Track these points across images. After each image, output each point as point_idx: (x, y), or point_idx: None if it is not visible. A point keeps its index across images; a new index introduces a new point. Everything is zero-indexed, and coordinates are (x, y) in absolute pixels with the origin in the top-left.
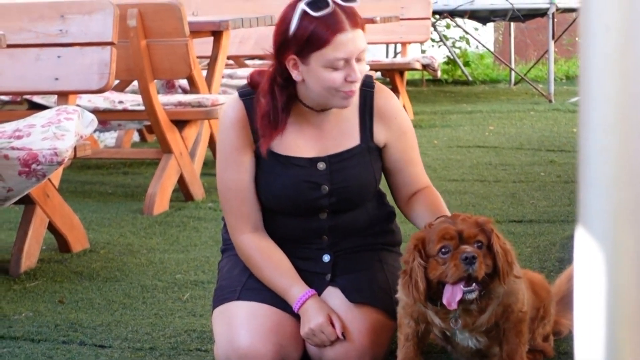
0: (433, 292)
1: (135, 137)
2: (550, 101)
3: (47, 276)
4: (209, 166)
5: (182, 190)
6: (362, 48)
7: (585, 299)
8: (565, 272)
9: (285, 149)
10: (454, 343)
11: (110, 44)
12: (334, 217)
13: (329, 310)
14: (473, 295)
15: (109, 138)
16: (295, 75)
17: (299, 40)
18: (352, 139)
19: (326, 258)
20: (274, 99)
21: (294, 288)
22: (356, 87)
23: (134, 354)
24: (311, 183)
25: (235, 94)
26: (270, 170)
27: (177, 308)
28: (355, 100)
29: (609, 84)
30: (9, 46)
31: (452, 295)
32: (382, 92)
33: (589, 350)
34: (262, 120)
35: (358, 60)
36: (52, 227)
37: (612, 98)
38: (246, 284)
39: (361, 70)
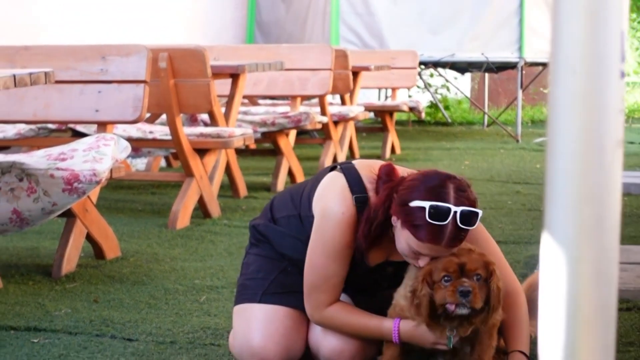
0: (440, 312)
1: (162, 163)
2: (517, 141)
3: (84, 279)
4: (224, 189)
5: (201, 209)
6: (441, 254)
7: (549, 304)
8: (525, 283)
9: (370, 258)
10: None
11: (144, 82)
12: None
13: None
14: (464, 311)
15: (140, 163)
16: (394, 221)
17: (405, 216)
18: None
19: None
20: (381, 217)
21: (384, 323)
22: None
23: (157, 347)
24: (376, 282)
25: (347, 189)
26: (352, 267)
27: (195, 309)
28: None
29: (574, 119)
30: (57, 82)
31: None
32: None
33: (551, 350)
34: (362, 230)
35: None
36: (89, 237)
37: (576, 132)
38: (267, 289)
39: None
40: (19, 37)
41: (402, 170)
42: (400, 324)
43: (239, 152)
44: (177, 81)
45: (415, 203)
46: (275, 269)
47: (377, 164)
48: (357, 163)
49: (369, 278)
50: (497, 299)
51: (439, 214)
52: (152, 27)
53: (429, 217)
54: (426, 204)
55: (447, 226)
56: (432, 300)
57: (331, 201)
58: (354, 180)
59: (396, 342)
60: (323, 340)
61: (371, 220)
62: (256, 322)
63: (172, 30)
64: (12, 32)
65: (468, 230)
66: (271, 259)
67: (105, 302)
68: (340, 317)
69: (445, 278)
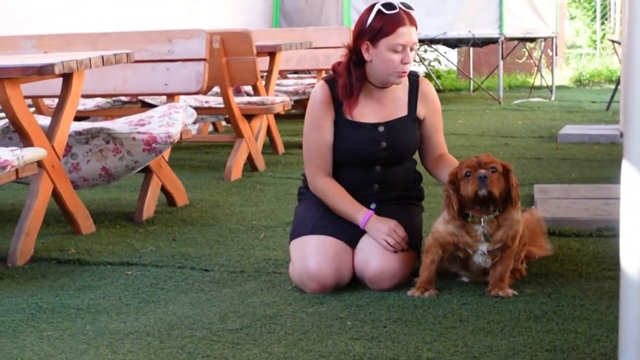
0: (468, 208)
1: (210, 127)
2: (500, 103)
3: (162, 222)
4: (266, 147)
5: (250, 164)
6: (415, 41)
7: (630, 218)
8: (527, 214)
9: (357, 117)
10: (469, 263)
11: (204, 60)
12: (384, 170)
13: (391, 219)
14: (484, 191)
15: (192, 128)
16: (366, 56)
17: (373, 30)
18: (402, 110)
19: (373, 205)
20: (350, 74)
21: (360, 211)
22: (408, 69)
23: (229, 276)
24: (373, 140)
25: (322, 80)
26: (345, 132)
27: (256, 244)
28: (405, 83)
29: None
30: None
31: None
32: (424, 81)
33: (633, 256)
34: (342, 89)
35: (411, 49)
36: (163, 189)
37: None
38: (317, 224)
39: (412, 56)
40: (98, 25)
41: None
42: (371, 216)
43: (276, 116)
44: (228, 59)
45: (370, 19)
46: (319, 209)
47: None
48: None
49: (366, 139)
50: (517, 193)
51: (388, 5)
52: (195, 15)
53: (386, 10)
54: (377, 7)
55: (400, 11)
56: (460, 199)
57: (313, 91)
58: (327, 76)
59: (362, 227)
60: (366, 264)
61: (348, 69)
62: (310, 250)
63: (212, 18)
64: (93, 21)
65: (412, 10)
66: (315, 204)
67: (181, 240)
68: (331, 191)
69: (467, 173)
